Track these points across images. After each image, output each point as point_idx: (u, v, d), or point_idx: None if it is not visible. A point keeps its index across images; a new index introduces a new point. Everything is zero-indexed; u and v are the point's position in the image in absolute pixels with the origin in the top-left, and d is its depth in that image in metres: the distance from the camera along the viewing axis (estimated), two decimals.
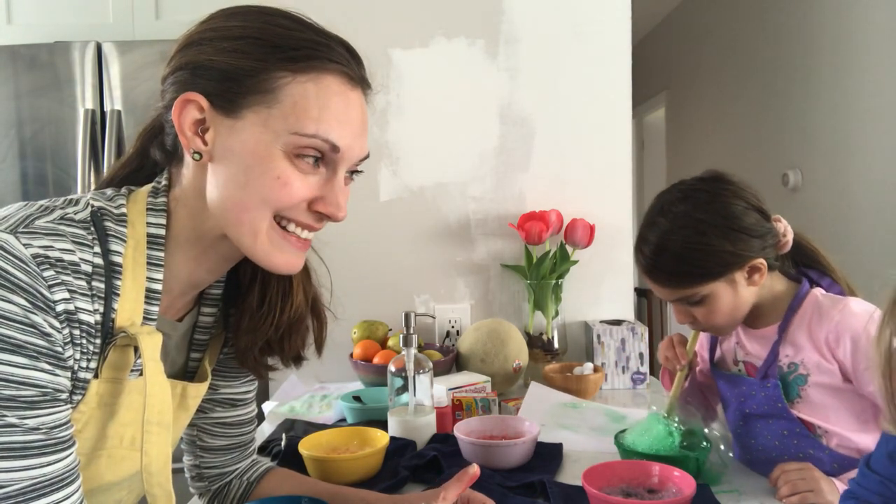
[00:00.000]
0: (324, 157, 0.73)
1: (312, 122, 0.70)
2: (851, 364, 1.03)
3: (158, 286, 0.74)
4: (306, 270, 0.89)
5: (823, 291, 1.11)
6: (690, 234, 1.06)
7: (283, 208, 0.72)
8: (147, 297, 0.73)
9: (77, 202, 0.72)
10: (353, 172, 0.78)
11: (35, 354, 0.61)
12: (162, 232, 0.74)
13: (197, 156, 0.72)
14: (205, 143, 0.71)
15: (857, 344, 1.02)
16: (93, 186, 2.10)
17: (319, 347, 0.91)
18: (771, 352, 1.11)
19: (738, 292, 1.08)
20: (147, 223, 0.74)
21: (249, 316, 0.85)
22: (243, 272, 0.85)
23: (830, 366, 1.05)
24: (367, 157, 0.78)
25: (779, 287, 1.13)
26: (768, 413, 1.11)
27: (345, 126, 0.72)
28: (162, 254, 0.74)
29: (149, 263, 0.73)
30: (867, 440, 1.06)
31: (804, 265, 1.18)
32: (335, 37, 0.75)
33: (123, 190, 0.77)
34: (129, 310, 0.71)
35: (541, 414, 1.40)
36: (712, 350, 1.25)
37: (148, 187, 0.77)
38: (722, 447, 1.07)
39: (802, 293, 1.11)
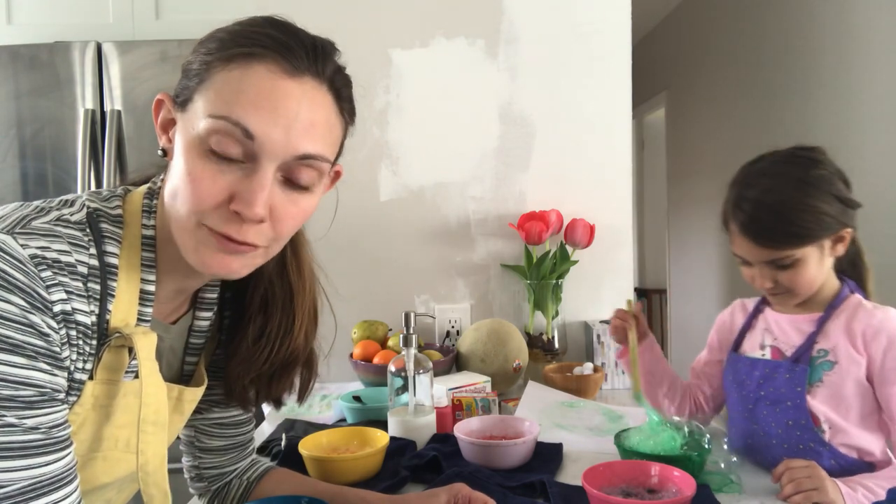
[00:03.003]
0: (243, 148, 0.66)
1: (225, 105, 0.66)
2: (882, 360, 1.07)
3: (152, 287, 0.74)
4: (313, 317, 0.87)
5: (864, 299, 1.15)
6: (796, 194, 1.09)
7: (198, 212, 0.67)
8: (141, 298, 0.73)
9: (73, 203, 0.72)
10: (296, 184, 0.70)
11: (33, 354, 0.61)
12: (152, 233, 0.74)
13: (161, 153, 0.74)
14: (170, 141, 0.72)
15: (893, 342, 1.06)
16: (93, 186, 2.10)
17: (302, 397, 0.92)
18: (808, 339, 1.13)
19: (822, 261, 1.12)
20: (142, 224, 0.74)
21: (246, 346, 0.84)
22: (251, 299, 0.84)
23: (860, 358, 1.08)
24: (311, 157, 0.69)
25: (832, 278, 1.16)
26: (781, 398, 1.12)
27: (264, 112, 0.66)
28: (153, 255, 0.74)
29: (143, 265, 0.73)
30: (869, 441, 1.09)
31: (848, 274, 1.21)
32: (286, 30, 0.70)
33: (119, 190, 0.77)
34: (123, 311, 0.71)
35: (538, 413, 1.40)
36: (740, 337, 1.26)
37: (144, 188, 0.77)
38: (734, 458, 1.07)
39: (845, 294, 1.15)
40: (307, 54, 0.69)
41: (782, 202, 1.09)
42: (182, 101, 0.71)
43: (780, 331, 1.19)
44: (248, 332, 0.84)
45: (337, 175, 0.82)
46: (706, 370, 1.33)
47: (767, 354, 1.19)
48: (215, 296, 0.85)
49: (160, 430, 0.72)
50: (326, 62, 0.71)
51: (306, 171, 0.70)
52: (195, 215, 0.68)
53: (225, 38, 0.70)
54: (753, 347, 1.22)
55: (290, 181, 0.70)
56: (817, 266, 1.11)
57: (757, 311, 1.26)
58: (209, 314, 0.85)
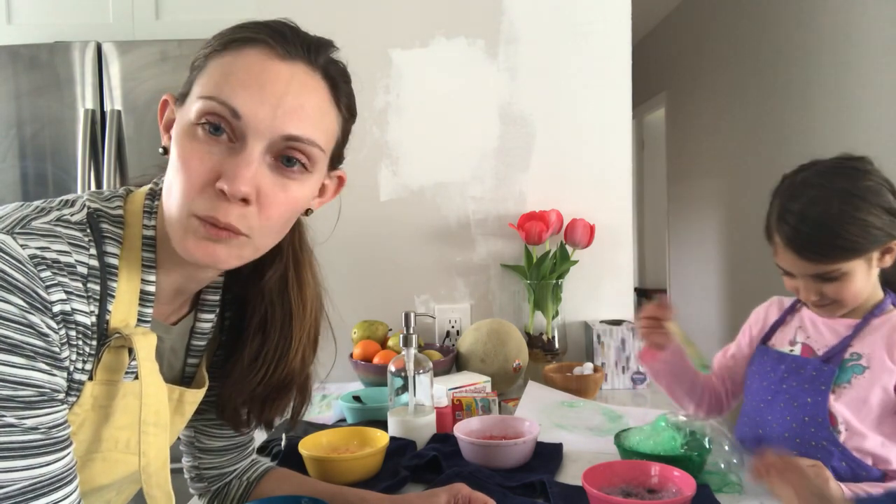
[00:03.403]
0: (230, 127, 0.67)
1: (215, 86, 0.67)
2: None
3: (152, 288, 0.74)
4: (313, 340, 0.87)
5: None
6: (843, 206, 1.06)
7: (188, 199, 0.67)
8: (141, 299, 0.73)
9: (73, 203, 0.72)
10: (288, 160, 0.70)
11: (32, 354, 0.61)
12: (152, 233, 0.74)
13: (162, 150, 0.74)
14: (170, 139, 0.72)
15: None
16: (93, 186, 2.10)
17: (294, 420, 0.91)
18: (842, 341, 1.13)
19: (869, 273, 1.10)
20: (142, 224, 0.74)
21: (240, 368, 0.84)
22: (250, 321, 0.84)
23: (893, 367, 1.08)
24: (298, 139, 0.69)
25: (876, 287, 1.15)
26: (803, 394, 1.12)
27: (251, 91, 0.67)
28: (153, 255, 0.74)
29: (143, 265, 0.73)
30: (888, 449, 1.08)
31: (894, 285, 1.20)
32: (284, 24, 0.72)
33: (121, 191, 0.77)
34: (123, 311, 0.71)
35: (538, 413, 1.40)
36: (771, 331, 1.26)
37: (146, 188, 0.77)
38: (734, 459, 1.07)
39: (886, 305, 1.14)
40: (301, 44, 0.71)
41: (829, 215, 1.06)
42: (181, 94, 0.72)
43: (815, 330, 1.18)
44: (245, 354, 0.84)
45: (340, 181, 0.82)
46: (729, 363, 1.33)
47: (797, 351, 1.18)
48: (217, 298, 0.85)
49: (162, 431, 0.72)
50: (320, 52, 0.72)
51: (295, 154, 0.70)
52: (186, 204, 0.67)
53: (225, 32, 0.71)
54: (783, 342, 1.22)
55: (280, 166, 0.70)
56: (864, 278, 1.09)
57: (793, 308, 1.25)
58: (211, 316, 0.85)
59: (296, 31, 0.72)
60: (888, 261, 1.10)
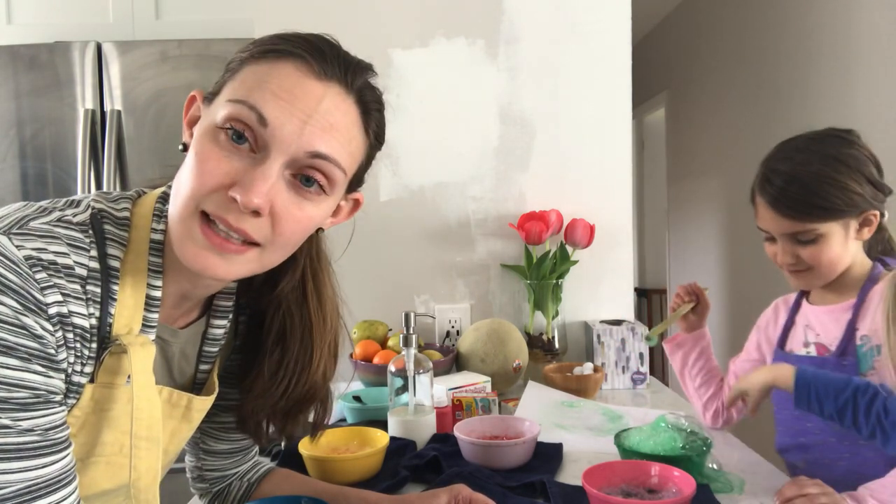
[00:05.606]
0: (254, 136, 0.65)
1: (246, 91, 0.66)
2: None
3: (158, 293, 0.72)
4: (333, 353, 0.85)
5: None
6: (824, 168, 1.10)
7: (197, 195, 0.65)
8: (147, 304, 0.71)
9: (78, 204, 0.71)
10: (307, 179, 0.68)
11: (27, 356, 0.60)
12: (160, 237, 0.72)
13: (181, 147, 0.72)
14: (192, 136, 0.71)
15: None
16: (93, 186, 2.10)
17: (315, 432, 0.90)
18: (847, 328, 1.12)
19: (846, 242, 1.12)
20: (151, 228, 0.72)
21: (262, 381, 0.82)
22: (268, 331, 0.83)
23: None
24: (323, 157, 0.67)
25: (862, 260, 1.16)
26: None
27: (282, 102, 0.65)
28: (161, 260, 0.72)
29: (149, 269, 0.71)
30: None
31: (881, 252, 1.20)
32: (324, 41, 0.71)
33: (132, 192, 0.76)
34: (127, 316, 0.70)
35: (538, 413, 1.40)
36: (784, 334, 1.25)
37: (159, 191, 0.76)
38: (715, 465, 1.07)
39: (877, 272, 1.14)
40: (339, 64, 0.69)
41: (809, 174, 1.10)
42: (210, 94, 0.71)
43: (821, 325, 1.18)
44: (265, 367, 0.82)
45: (356, 204, 0.81)
46: (737, 372, 1.33)
47: (812, 351, 1.18)
48: (231, 303, 0.83)
49: (154, 446, 0.70)
50: (357, 75, 0.71)
51: (315, 174, 0.68)
52: (194, 199, 0.66)
53: (265, 39, 0.71)
54: (798, 345, 1.21)
55: (297, 184, 0.68)
56: (841, 246, 1.11)
57: (797, 305, 1.25)
58: (224, 322, 0.83)
59: (336, 50, 0.70)
60: (866, 234, 1.12)
